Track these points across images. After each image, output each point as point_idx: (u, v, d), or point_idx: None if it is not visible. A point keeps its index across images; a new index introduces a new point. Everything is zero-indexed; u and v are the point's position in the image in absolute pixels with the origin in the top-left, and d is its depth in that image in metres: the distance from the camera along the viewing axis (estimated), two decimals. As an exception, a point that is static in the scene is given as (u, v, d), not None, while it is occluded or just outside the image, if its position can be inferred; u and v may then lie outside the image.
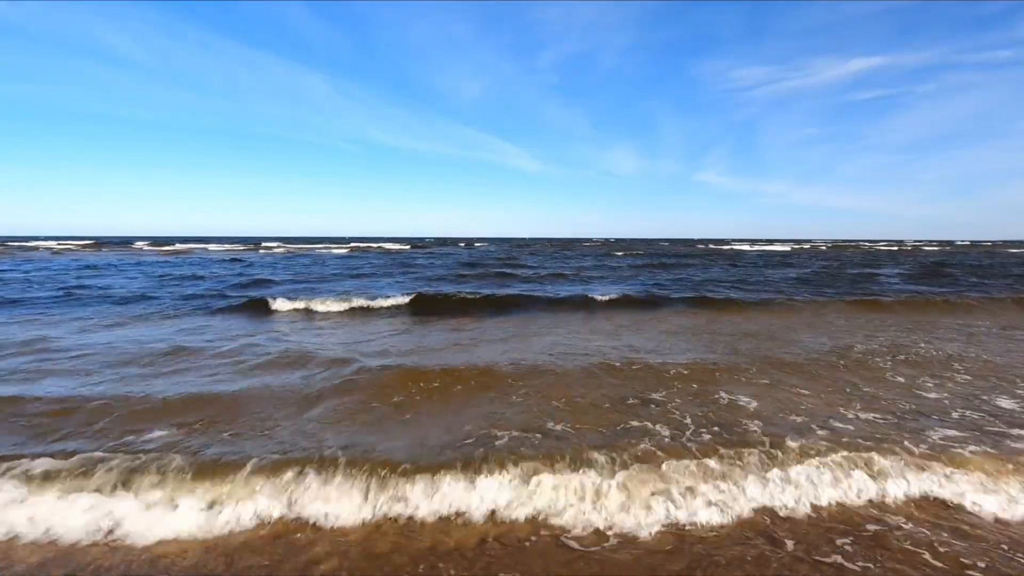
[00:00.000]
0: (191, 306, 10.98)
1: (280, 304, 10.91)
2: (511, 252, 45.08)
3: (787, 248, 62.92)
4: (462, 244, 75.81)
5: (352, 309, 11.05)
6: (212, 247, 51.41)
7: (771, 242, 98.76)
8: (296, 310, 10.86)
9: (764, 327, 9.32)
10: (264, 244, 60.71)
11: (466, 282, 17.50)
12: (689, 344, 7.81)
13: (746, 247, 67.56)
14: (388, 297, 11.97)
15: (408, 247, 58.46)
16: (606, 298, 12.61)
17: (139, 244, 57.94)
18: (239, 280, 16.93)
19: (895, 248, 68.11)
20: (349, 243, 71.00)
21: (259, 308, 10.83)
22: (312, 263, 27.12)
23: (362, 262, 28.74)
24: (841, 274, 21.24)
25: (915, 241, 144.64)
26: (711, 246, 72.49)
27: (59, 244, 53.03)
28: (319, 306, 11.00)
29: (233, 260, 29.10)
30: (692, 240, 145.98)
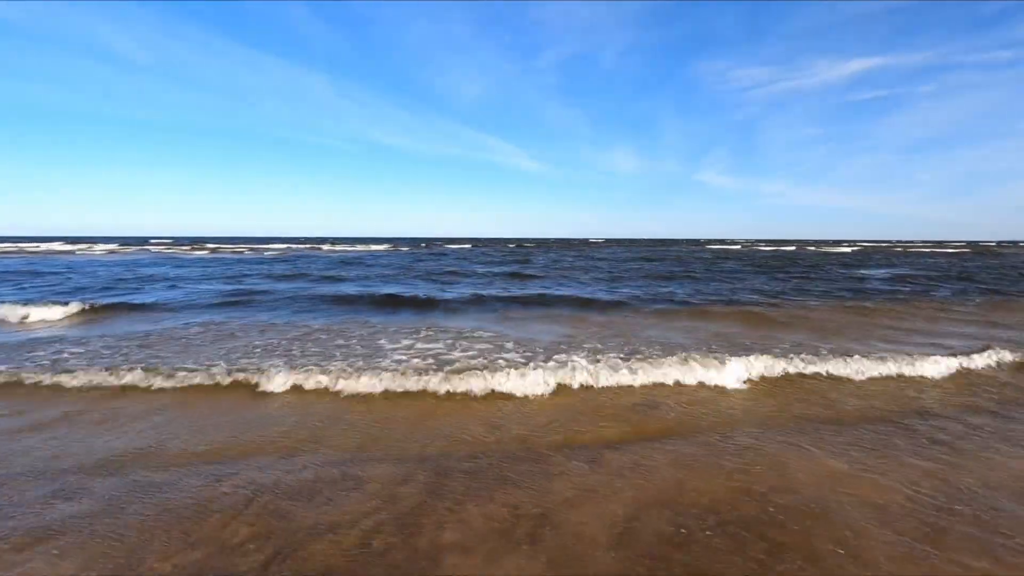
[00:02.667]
0: None
1: None
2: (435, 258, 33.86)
3: (850, 249, 52.22)
4: (468, 244, 65.69)
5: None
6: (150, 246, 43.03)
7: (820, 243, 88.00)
8: None
9: None
10: (207, 244, 55.24)
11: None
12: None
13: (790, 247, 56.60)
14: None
15: (359, 247, 48.17)
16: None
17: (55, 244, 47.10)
18: None
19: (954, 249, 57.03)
20: (327, 242, 62.17)
21: None
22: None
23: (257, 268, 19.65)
24: None
25: (923, 241, 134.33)
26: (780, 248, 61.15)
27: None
28: None
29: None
30: (699, 240, 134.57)
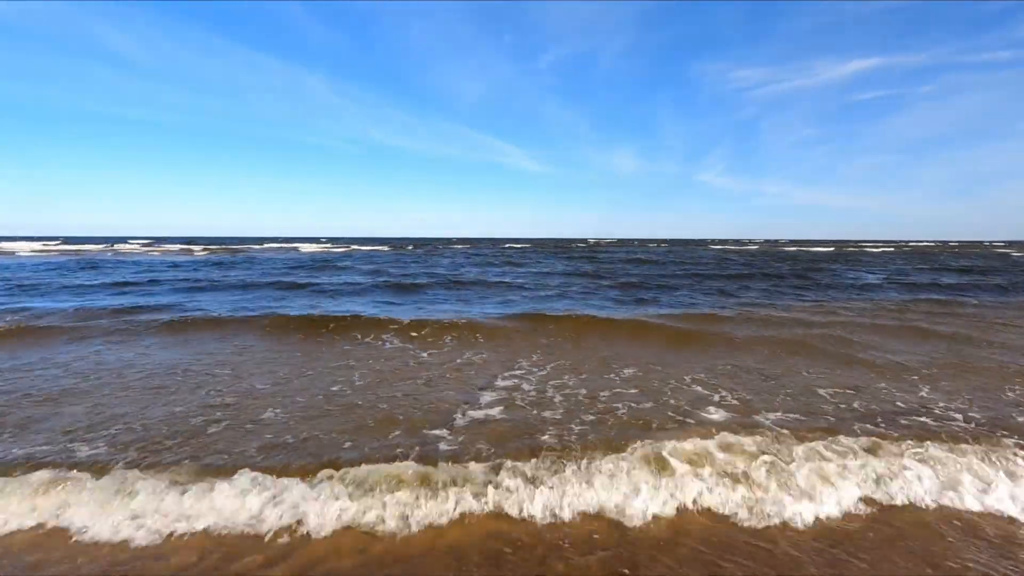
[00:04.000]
0: None
1: None
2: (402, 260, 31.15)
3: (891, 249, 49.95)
4: (469, 245, 63.53)
5: None
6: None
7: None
8: None
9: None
10: (182, 244, 54.08)
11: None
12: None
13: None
14: None
15: (329, 246, 45.30)
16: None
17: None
18: None
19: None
20: (324, 242, 60.11)
21: None
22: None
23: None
24: None
25: (932, 241, 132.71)
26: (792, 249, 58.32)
27: None
28: None
29: None
30: (702, 240, 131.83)
